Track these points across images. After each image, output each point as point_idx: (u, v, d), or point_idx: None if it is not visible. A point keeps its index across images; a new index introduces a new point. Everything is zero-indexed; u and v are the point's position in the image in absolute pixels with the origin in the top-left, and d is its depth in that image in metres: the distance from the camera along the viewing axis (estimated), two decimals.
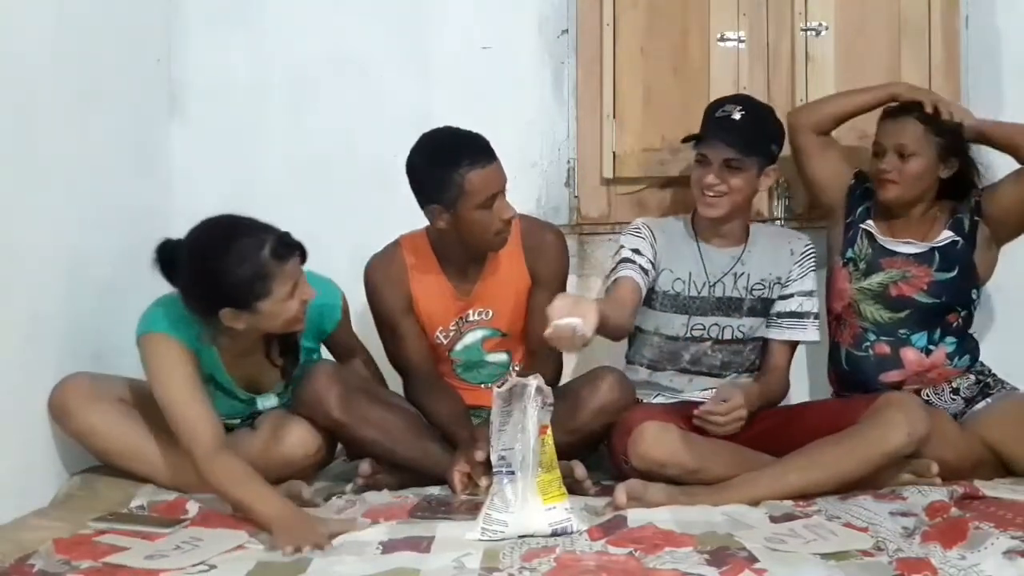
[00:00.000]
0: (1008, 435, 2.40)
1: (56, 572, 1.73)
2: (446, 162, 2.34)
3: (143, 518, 2.06)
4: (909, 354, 2.54)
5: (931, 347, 2.54)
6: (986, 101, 2.64)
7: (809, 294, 2.58)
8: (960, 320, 2.56)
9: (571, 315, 1.95)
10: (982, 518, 1.92)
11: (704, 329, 2.56)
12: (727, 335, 2.56)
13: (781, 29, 2.97)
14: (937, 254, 2.55)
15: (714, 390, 2.53)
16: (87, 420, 2.22)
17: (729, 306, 2.56)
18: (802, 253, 2.60)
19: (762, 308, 2.57)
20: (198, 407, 2.15)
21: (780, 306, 2.57)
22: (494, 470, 1.96)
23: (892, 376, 2.54)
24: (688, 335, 2.56)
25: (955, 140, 2.53)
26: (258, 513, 1.98)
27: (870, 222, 2.60)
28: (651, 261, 2.52)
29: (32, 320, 2.18)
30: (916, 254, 2.56)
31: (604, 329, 2.10)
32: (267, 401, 2.42)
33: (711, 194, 2.50)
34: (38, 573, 1.71)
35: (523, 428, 1.94)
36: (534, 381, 1.96)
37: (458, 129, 2.39)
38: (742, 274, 2.56)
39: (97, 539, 1.89)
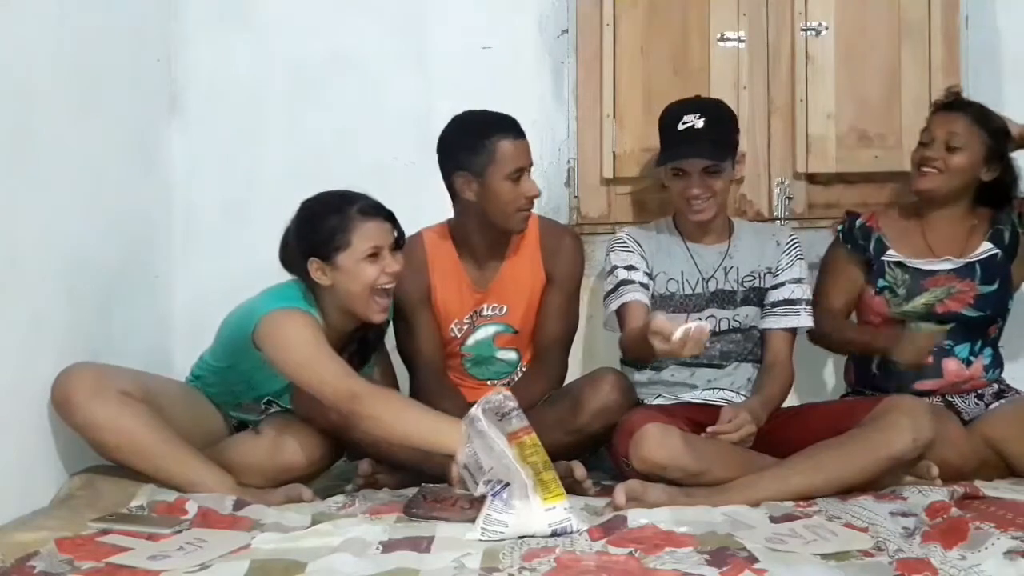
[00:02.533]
0: (1011, 434, 2.40)
1: (58, 572, 1.72)
2: (479, 130, 2.48)
3: (144, 518, 2.05)
4: (951, 364, 2.55)
5: (971, 358, 2.56)
6: (986, 101, 2.63)
7: (799, 281, 2.58)
8: (997, 331, 2.60)
9: (677, 324, 1.98)
10: (982, 518, 1.92)
11: None
12: (724, 326, 2.57)
13: (781, 29, 2.97)
14: (978, 267, 2.56)
15: (716, 390, 2.54)
16: (90, 414, 2.20)
17: (724, 299, 2.57)
18: (787, 243, 2.61)
19: (755, 297, 2.58)
20: (333, 360, 2.22)
21: (772, 296, 2.58)
22: (491, 493, 1.95)
23: (927, 384, 2.55)
24: None
25: (1001, 144, 2.53)
26: (432, 442, 2.10)
27: (892, 252, 2.60)
28: (647, 272, 2.55)
29: (32, 320, 2.17)
30: (955, 269, 2.56)
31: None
32: None
33: (698, 202, 2.51)
34: (39, 574, 1.71)
35: (492, 448, 1.95)
36: (475, 409, 1.99)
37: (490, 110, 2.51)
38: (732, 267, 2.58)
39: (100, 539, 1.88)
